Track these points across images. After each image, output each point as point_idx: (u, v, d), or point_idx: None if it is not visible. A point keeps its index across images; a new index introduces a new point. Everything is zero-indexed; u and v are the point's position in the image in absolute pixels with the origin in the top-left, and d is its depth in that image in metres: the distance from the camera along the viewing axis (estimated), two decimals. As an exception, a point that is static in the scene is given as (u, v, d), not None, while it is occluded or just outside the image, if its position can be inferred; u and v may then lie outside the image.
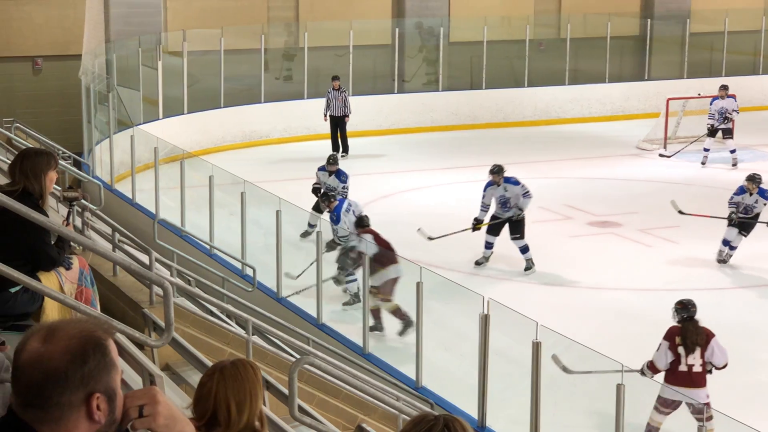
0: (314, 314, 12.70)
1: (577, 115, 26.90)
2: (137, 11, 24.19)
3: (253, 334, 9.31)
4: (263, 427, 4.41)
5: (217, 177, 15.22)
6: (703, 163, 22.11)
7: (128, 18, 24.02)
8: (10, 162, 6.87)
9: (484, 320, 9.91)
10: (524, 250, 15.51)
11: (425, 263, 12.62)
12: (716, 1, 30.43)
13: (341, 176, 16.82)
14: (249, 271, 13.83)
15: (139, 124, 20.28)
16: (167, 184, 16.46)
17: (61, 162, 15.75)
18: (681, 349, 9.91)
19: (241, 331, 9.55)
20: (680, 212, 16.89)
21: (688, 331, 9.95)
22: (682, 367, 9.92)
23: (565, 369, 10.09)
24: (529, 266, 15.42)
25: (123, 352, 6.00)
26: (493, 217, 15.74)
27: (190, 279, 11.94)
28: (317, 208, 16.08)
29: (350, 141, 23.55)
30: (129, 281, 9.96)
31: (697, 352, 9.89)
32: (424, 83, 26.86)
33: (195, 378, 8.21)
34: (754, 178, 15.72)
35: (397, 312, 12.61)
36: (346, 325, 12.63)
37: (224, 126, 23.46)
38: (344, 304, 13.61)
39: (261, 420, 4.41)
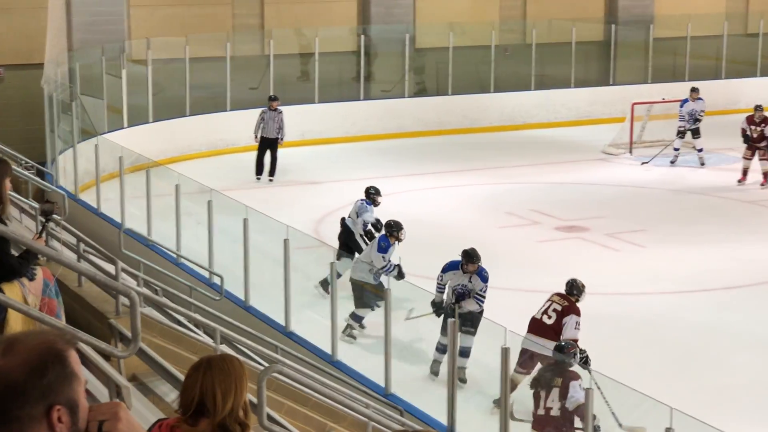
0: (282, 322, 12.65)
1: (543, 120, 26.97)
2: (100, 19, 24.05)
3: (221, 343, 9.25)
4: (247, 417, 4.49)
5: (184, 186, 15.14)
6: (672, 162, 22.29)
7: (91, 26, 23.89)
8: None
9: (453, 326, 9.89)
10: (466, 353, 11.73)
11: (393, 270, 12.58)
12: (679, 7, 30.61)
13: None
14: (217, 280, 13.76)
15: (104, 133, 20.15)
16: (133, 193, 16.36)
17: (24, 172, 15.68)
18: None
19: (209, 340, 9.49)
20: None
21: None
22: (540, 411, 9.65)
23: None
24: (462, 378, 11.51)
25: (89, 363, 5.93)
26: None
27: (157, 288, 11.85)
28: (349, 248, 14.73)
29: (317, 148, 23.50)
30: (95, 291, 9.87)
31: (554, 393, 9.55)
32: (383, 89, 26.80)
33: (163, 389, 8.15)
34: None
35: None
36: (314, 332, 12.58)
37: (190, 134, 23.35)
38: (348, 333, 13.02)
39: (245, 410, 4.51)
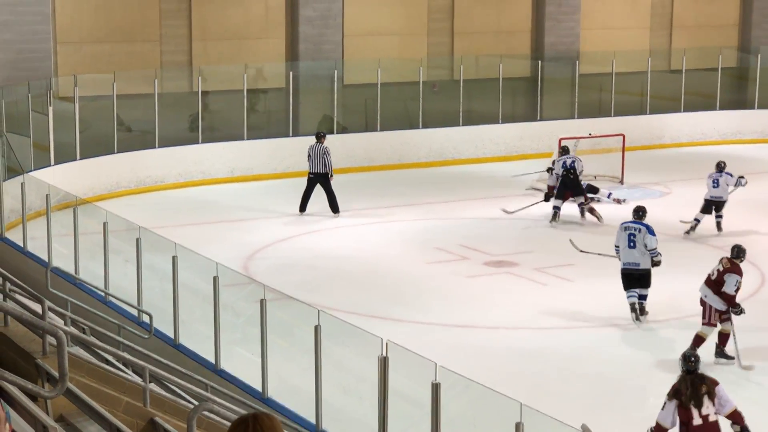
0: (212, 360, 12.58)
1: (472, 156, 27.18)
2: (26, 56, 23.88)
3: (150, 382, 9.18)
4: None
5: (112, 223, 15.03)
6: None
7: (17, 63, 23.70)
8: None
9: (383, 362, 9.91)
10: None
11: (323, 306, 12.59)
12: (603, 44, 31.11)
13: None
14: (146, 318, 13.66)
15: (30, 171, 19.96)
16: (60, 231, 16.20)
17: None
18: (690, 404, 9.63)
19: (138, 379, 9.41)
20: (580, 251, 17.22)
21: (690, 384, 9.70)
22: (697, 421, 9.58)
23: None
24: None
25: (15, 403, 5.87)
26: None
27: (85, 327, 11.74)
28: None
29: (246, 185, 23.48)
30: (21, 331, 9.75)
31: (707, 401, 9.62)
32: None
33: (90, 429, 8.07)
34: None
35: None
36: (244, 370, 12.52)
37: (118, 171, 23.20)
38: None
39: None
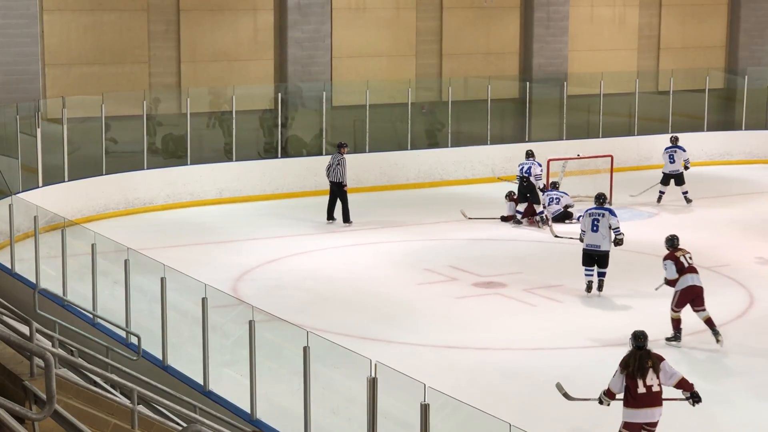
0: (201, 381, 12.54)
1: (461, 177, 27.22)
2: (15, 78, 23.89)
3: (138, 404, 9.14)
4: None
5: (100, 245, 15.00)
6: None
7: (5, 85, 23.70)
8: None
9: (372, 384, 9.89)
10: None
11: (312, 328, 12.58)
12: (592, 65, 31.23)
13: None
14: (134, 340, 13.61)
15: (18, 193, 19.92)
16: (48, 253, 16.16)
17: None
18: (636, 375, 11.11)
19: (126, 401, 9.37)
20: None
21: (638, 358, 11.18)
22: (641, 390, 11.03)
23: (566, 396, 12.22)
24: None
25: (2, 426, 5.84)
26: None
27: (73, 349, 11.70)
28: None
29: (235, 206, 23.46)
30: (9, 353, 9.71)
31: (652, 374, 11.06)
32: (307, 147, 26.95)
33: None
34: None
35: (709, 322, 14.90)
36: (233, 391, 12.49)
37: (106, 193, 23.17)
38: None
39: None
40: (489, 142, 27.95)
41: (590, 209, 17.59)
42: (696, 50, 33.54)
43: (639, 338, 11.27)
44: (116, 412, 9.22)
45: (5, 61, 23.88)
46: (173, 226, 22.43)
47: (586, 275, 17.32)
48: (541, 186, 22.71)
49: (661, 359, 11.24)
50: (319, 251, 20.37)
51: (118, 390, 10.17)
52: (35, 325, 9.64)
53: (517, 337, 15.51)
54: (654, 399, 11.04)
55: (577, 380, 14.05)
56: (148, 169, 23.98)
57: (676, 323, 15.09)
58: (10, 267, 17.10)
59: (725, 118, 32.13)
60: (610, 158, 24.71)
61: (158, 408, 10.05)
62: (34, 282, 15.77)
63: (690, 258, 15.12)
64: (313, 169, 25.77)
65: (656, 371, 11.09)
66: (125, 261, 14.17)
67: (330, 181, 22.45)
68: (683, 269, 15.01)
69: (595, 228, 17.27)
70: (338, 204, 22.33)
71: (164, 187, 24.09)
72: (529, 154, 23.05)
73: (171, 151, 25.28)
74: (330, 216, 22.40)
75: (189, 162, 24.51)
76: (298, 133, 27.25)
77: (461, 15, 30.06)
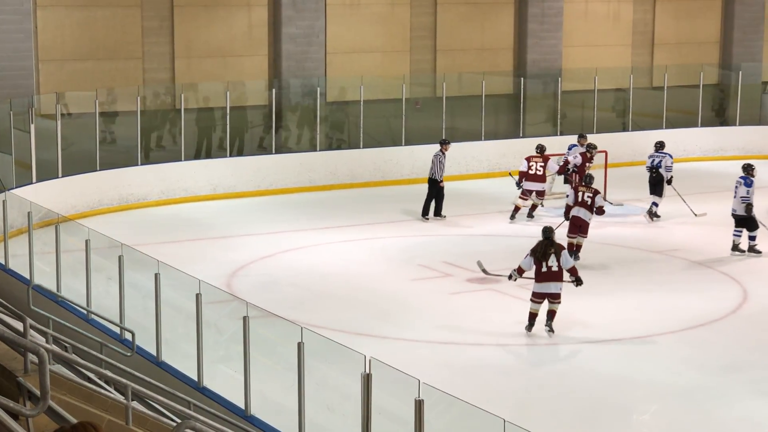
0: (195, 377, 12.54)
1: (455, 173, 27.17)
2: (8, 74, 23.84)
3: (132, 400, 9.14)
4: None
5: (94, 241, 14.98)
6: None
7: (-1, 81, 23.67)
8: None
9: (366, 379, 9.88)
10: None
11: (306, 323, 12.59)
12: (586, 61, 31.22)
13: None
14: (128, 336, 13.60)
15: (12, 189, 19.89)
16: (42, 249, 16.14)
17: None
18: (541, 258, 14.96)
19: (120, 397, 9.37)
20: (484, 271, 17.90)
21: (543, 246, 14.99)
22: (544, 269, 14.91)
23: (484, 271, 16.88)
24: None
25: (-3, 422, 5.83)
26: None
27: (67, 345, 11.68)
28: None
29: (229, 202, 23.45)
30: (2, 349, 9.70)
31: (553, 258, 14.84)
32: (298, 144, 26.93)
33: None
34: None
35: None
36: (227, 387, 12.48)
37: (100, 189, 23.14)
38: None
39: None
40: (483, 138, 27.95)
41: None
42: (690, 46, 33.56)
43: (546, 231, 15.12)
44: (110, 409, 9.22)
45: (-1, 57, 23.84)
46: (167, 222, 22.41)
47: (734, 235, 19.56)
48: (669, 177, 22.68)
49: (562, 248, 15.07)
50: (313, 247, 20.36)
51: (113, 386, 10.17)
52: (29, 321, 9.64)
53: (512, 333, 15.51)
54: (553, 276, 14.86)
55: (571, 376, 14.08)
56: (142, 164, 23.97)
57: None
58: (3, 263, 17.08)
59: (719, 114, 32.24)
60: (604, 154, 24.72)
61: (152, 404, 10.04)
62: (28, 278, 15.75)
63: None
64: (307, 165, 25.77)
65: (558, 256, 14.82)
66: (119, 257, 14.15)
67: (430, 178, 22.59)
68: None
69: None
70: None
71: (158, 183, 24.07)
72: (660, 146, 23.15)
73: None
74: (425, 212, 22.50)
75: (183, 158, 24.49)
76: (293, 128, 27.25)
77: (455, 11, 30.05)
